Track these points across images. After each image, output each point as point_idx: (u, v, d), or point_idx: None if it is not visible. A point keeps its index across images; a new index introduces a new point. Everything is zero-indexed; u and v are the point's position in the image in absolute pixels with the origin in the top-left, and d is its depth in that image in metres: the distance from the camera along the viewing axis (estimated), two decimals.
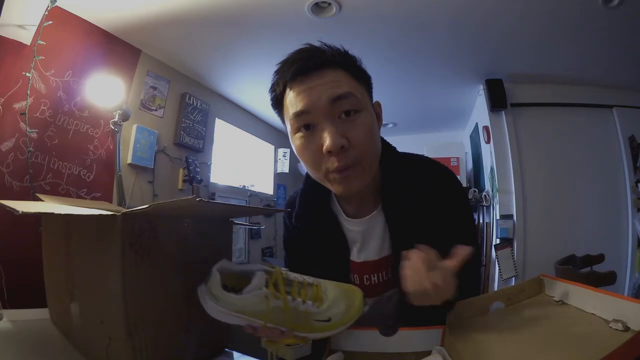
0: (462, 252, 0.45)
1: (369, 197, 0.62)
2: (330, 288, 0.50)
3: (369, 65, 0.60)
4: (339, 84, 0.51)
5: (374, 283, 0.66)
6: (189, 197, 0.43)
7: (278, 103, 0.56)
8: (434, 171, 0.63)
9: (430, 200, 0.59)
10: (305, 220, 0.66)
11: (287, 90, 0.53)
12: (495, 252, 2.24)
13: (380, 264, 0.63)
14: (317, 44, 0.56)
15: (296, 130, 0.53)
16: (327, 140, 0.49)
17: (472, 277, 0.63)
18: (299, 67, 0.51)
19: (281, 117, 0.58)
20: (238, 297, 0.44)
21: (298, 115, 0.51)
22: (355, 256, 0.65)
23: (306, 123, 0.51)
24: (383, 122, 0.63)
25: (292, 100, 0.52)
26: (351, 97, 0.51)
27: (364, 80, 0.56)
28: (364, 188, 0.55)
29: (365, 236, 0.63)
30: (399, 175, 0.61)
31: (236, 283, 0.47)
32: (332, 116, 0.50)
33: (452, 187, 0.63)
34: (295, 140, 0.54)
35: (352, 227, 0.64)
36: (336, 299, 0.49)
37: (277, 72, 0.55)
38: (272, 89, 0.56)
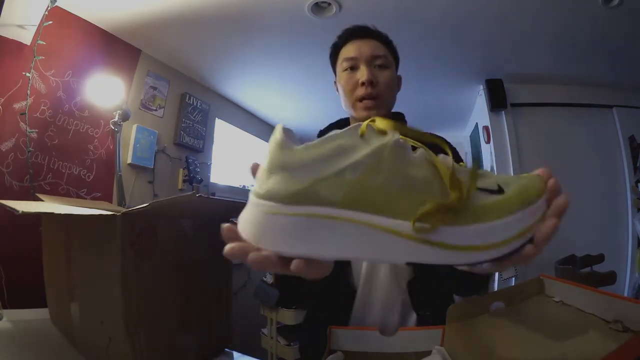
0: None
1: None
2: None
3: None
4: (379, 49, 0.76)
5: None
6: (189, 193, 0.43)
7: (335, 52, 0.81)
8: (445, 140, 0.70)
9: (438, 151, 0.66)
10: None
11: (346, 44, 0.78)
12: None
13: None
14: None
15: (344, 68, 0.77)
16: (364, 75, 0.73)
17: None
18: (358, 32, 0.78)
19: (333, 64, 0.83)
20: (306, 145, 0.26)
21: (350, 59, 0.75)
22: None
23: (352, 65, 0.76)
24: None
25: (348, 50, 0.77)
26: (384, 58, 0.76)
27: (394, 56, 0.82)
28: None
29: None
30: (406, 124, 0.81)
31: None
32: (370, 65, 0.75)
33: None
34: (342, 75, 0.77)
35: None
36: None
37: (340, 35, 0.80)
38: (335, 43, 0.81)
